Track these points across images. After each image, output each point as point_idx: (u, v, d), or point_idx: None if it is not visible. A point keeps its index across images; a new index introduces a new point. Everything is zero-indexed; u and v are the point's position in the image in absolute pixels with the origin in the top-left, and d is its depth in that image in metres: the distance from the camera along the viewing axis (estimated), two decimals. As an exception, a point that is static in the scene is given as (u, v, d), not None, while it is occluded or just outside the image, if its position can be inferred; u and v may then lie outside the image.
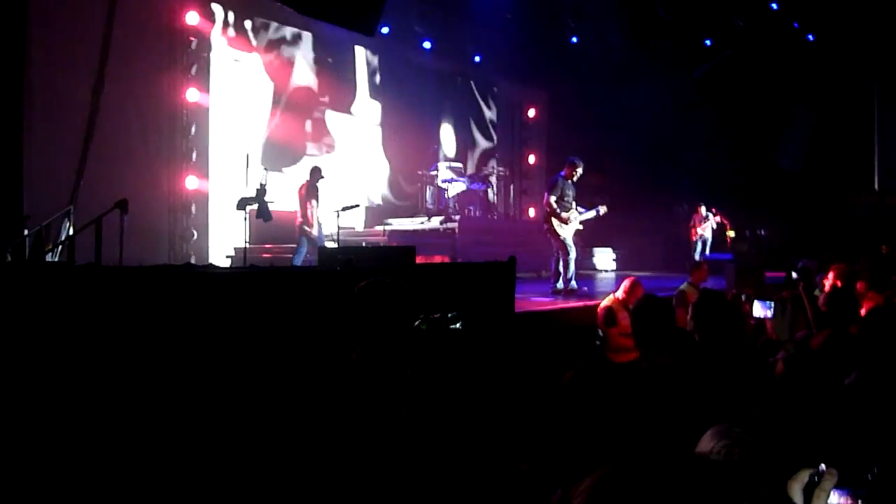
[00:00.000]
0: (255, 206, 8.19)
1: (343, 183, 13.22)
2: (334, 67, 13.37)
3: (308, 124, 12.89)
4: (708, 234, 14.03)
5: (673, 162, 16.07)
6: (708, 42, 15.43)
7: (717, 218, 14.00)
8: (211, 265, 7.27)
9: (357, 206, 8.93)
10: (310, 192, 9.54)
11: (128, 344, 3.41)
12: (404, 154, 14.58)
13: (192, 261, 10.17)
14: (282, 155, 12.17)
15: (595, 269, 14.80)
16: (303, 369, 3.46)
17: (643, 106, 15.00)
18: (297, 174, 12.31)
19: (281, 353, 3.79)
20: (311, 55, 12.99)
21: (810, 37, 15.15)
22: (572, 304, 7.53)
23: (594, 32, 15.08)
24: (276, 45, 12.45)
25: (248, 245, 8.20)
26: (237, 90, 11.66)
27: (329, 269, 4.50)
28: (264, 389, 3.42)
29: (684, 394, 2.51)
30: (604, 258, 15.15)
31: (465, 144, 16.17)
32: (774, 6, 14.20)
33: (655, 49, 14.93)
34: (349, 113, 13.69)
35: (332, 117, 13.34)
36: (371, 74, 14.21)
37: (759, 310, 3.26)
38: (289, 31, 12.62)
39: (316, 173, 9.76)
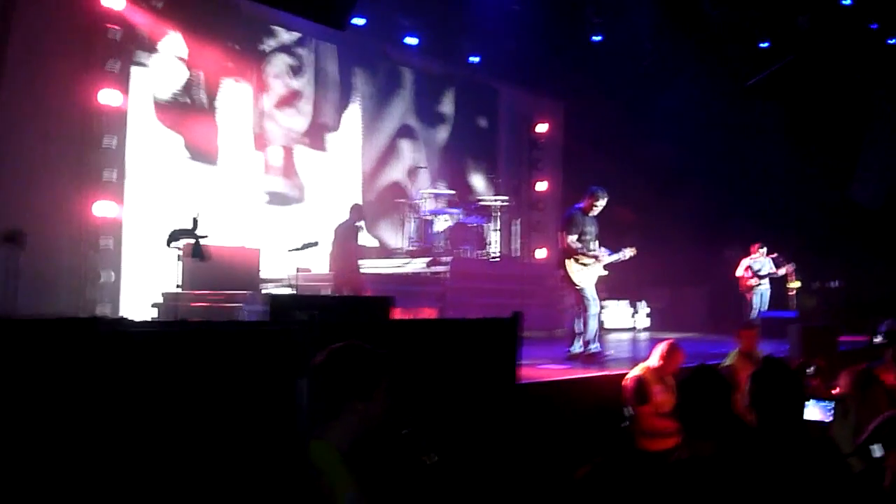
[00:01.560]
0: (190, 242, 8.16)
1: (301, 214, 13.27)
2: (294, 68, 13.52)
3: (256, 138, 12.95)
4: (765, 285, 14.08)
5: (721, 193, 16.24)
6: (765, 45, 15.71)
7: (781, 265, 14.04)
8: (122, 319, 7.17)
9: (317, 243, 8.93)
10: (350, 234, 10.22)
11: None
12: (379, 177, 14.67)
13: (104, 312, 10.08)
14: (224, 175, 12.20)
15: (622, 329, 14.82)
16: (239, 463, 3.39)
17: (683, 122, 15.22)
18: (243, 200, 12.35)
19: (213, 442, 3.72)
20: (265, 50, 13.15)
21: (891, 41, 15.48)
22: (593, 373, 7.49)
23: (623, 30, 15.35)
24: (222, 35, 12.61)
25: (180, 291, 8.15)
26: (168, 93, 11.76)
27: (282, 325, 4.45)
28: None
29: (734, 496, 2.49)
30: (634, 314, 15.19)
31: (457, 166, 16.30)
32: (847, 1, 14.49)
33: (699, 52, 15.20)
34: (310, 126, 13.80)
35: (287, 130, 13.42)
36: (341, 77, 14.36)
37: (816, 412, 3.24)
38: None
39: (357, 212, 10.37)
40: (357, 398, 2.70)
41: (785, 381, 3.12)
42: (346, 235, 10.58)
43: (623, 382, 6.37)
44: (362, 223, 10.99)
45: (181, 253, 8.02)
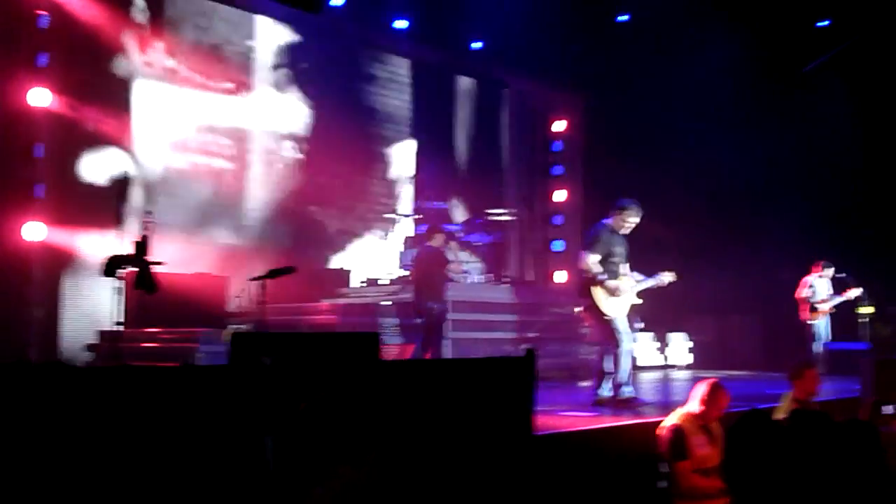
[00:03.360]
0: (134, 270, 8.16)
1: (274, 236, 13.30)
2: (254, 57, 13.60)
3: (217, 144, 13.02)
4: (825, 314, 14.03)
5: (774, 203, 16.25)
6: (824, 23, 15.80)
7: (849, 288, 14.01)
8: (53, 364, 7.11)
9: (292, 269, 8.93)
10: (437, 259, 10.72)
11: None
12: (361, 188, 14.71)
13: (33, 355, 10.08)
14: (177, 191, 12.24)
15: (659, 366, 14.81)
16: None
17: (729, 118, 15.27)
18: (198, 219, 12.39)
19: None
20: (223, 40, 13.23)
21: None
22: (625, 421, 7.48)
23: (654, 8, 15.43)
24: (176, 25, 12.69)
25: (120, 328, 8.13)
26: (113, 85, 11.84)
27: (243, 370, 4.46)
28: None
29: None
30: (673, 349, 15.18)
31: (458, 174, 16.35)
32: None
33: (746, 32, 15.27)
34: (276, 129, 13.86)
35: (254, 132, 13.49)
36: (312, 68, 14.42)
37: None
38: (195, 6, 12.90)
39: (441, 236, 10.86)
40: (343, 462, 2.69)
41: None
42: (430, 261, 10.94)
43: (657, 432, 6.35)
44: (453, 245, 11.49)
45: (121, 284, 7.99)
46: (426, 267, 10.88)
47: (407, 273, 13.02)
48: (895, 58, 15.29)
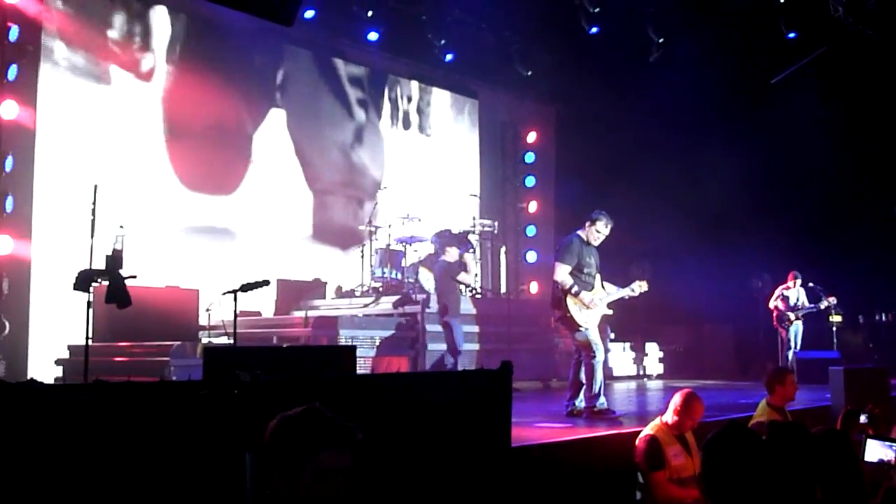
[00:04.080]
0: (106, 283, 8.10)
1: (245, 247, 13.26)
2: (234, 71, 13.57)
3: (185, 155, 12.95)
4: (798, 325, 14.17)
5: (745, 212, 16.40)
6: (791, 35, 15.96)
7: (820, 298, 14.13)
8: (32, 381, 7.04)
9: (266, 282, 8.89)
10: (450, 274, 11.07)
11: None
12: (334, 200, 14.69)
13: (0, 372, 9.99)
14: (147, 202, 12.18)
15: (632, 376, 14.87)
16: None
17: (700, 128, 15.39)
18: (171, 229, 12.32)
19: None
20: (193, 53, 13.19)
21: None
22: (600, 432, 7.49)
23: (624, 20, 15.54)
24: (149, 37, 12.64)
25: (89, 343, 8.05)
26: (83, 105, 11.75)
27: (219, 385, 4.43)
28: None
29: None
30: (648, 359, 15.24)
31: (429, 185, 16.36)
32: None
33: (715, 44, 15.40)
34: (249, 139, 13.82)
35: (225, 146, 13.44)
36: (286, 80, 14.42)
37: (878, 450, 3.31)
38: (166, 18, 12.84)
39: (455, 250, 11.20)
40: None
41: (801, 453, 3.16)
42: (443, 276, 11.31)
43: (636, 443, 6.37)
44: (468, 258, 11.77)
45: (92, 298, 7.92)
46: (441, 283, 11.22)
47: (379, 285, 13.04)
48: (865, 68, 15.45)
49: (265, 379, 4.05)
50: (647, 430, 6.35)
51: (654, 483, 6.12)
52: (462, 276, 11.38)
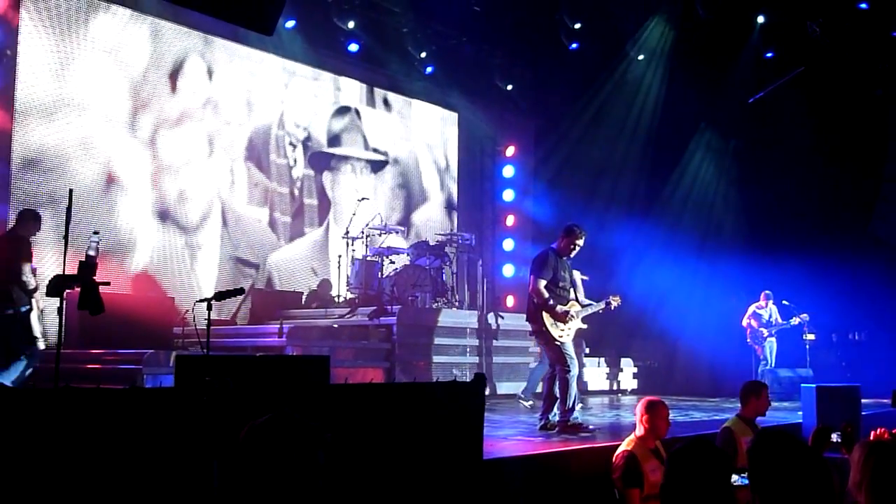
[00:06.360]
0: (78, 290, 8.02)
1: (218, 254, 13.21)
2: (211, 81, 13.55)
3: (158, 158, 12.90)
4: (772, 342, 14.26)
5: (719, 227, 16.49)
6: (769, 55, 16.08)
7: (792, 315, 14.24)
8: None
9: (241, 290, 8.85)
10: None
11: None
12: (310, 209, 14.68)
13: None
14: (118, 208, 12.13)
15: (606, 391, 14.87)
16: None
17: (675, 145, 15.47)
18: (147, 238, 12.25)
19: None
20: (172, 58, 13.16)
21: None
22: (574, 445, 7.49)
23: (603, 36, 15.62)
24: (127, 40, 12.59)
25: (60, 350, 7.96)
26: (62, 107, 11.68)
27: (190, 394, 4.39)
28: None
29: None
30: (622, 374, 15.25)
31: (406, 198, 16.37)
32: (864, 6, 14.77)
33: (692, 63, 15.51)
34: (220, 146, 13.77)
35: (195, 150, 13.39)
36: (262, 89, 14.41)
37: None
38: (147, 23, 12.80)
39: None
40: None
41: (784, 457, 3.16)
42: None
43: (613, 460, 6.32)
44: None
45: (65, 303, 7.84)
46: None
47: (355, 296, 13.00)
48: (841, 87, 15.55)
49: (233, 386, 4.03)
50: (624, 447, 6.29)
51: (630, 500, 6.07)
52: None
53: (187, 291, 12.38)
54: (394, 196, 16.11)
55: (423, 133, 16.91)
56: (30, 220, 9.10)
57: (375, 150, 16.04)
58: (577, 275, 10.43)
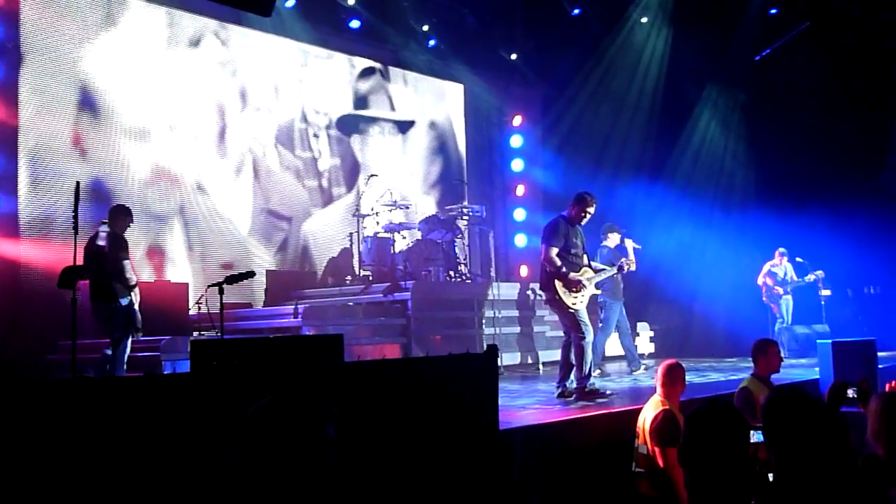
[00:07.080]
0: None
1: (228, 236, 13.25)
2: (209, 60, 13.54)
3: (168, 145, 12.92)
4: (788, 299, 14.21)
5: (730, 186, 16.39)
6: (773, 10, 15.95)
7: (807, 272, 14.16)
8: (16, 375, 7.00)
9: (252, 274, 8.86)
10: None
11: None
12: (321, 189, 14.68)
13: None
14: (133, 198, 12.15)
15: (623, 356, 14.86)
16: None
17: (682, 106, 15.36)
18: (156, 224, 12.29)
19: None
20: (179, 38, 13.14)
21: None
22: (591, 412, 7.49)
23: (605, 0, 15.52)
24: (126, 25, 12.58)
25: (75, 340, 8.01)
26: (66, 94, 11.67)
27: (203, 376, 4.41)
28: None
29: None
30: (637, 338, 15.23)
31: (416, 172, 16.34)
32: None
33: (696, 22, 15.39)
34: (226, 128, 13.78)
35: (207, 133, 13.40)
36: (261, 66, 14.36)
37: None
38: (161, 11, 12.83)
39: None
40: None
41: (798, 415, 3.16)
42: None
43: (649, 419, 6.21)
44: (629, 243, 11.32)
45: (74, 296, 7.87)
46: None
47: (368, 273, 13.01)
48: (842, 46, 15.43)
49: (240, 369, 4.04)
50: (658, 407, 6.22)
51: (671, 459, 5.96)
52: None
53: (199, 276, 12.40)
54: (402, 170, 16.08)
55: (430, 105, 16.85)
56: (121, 215, 9.22)
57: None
58: (629, 243, 10.55)
